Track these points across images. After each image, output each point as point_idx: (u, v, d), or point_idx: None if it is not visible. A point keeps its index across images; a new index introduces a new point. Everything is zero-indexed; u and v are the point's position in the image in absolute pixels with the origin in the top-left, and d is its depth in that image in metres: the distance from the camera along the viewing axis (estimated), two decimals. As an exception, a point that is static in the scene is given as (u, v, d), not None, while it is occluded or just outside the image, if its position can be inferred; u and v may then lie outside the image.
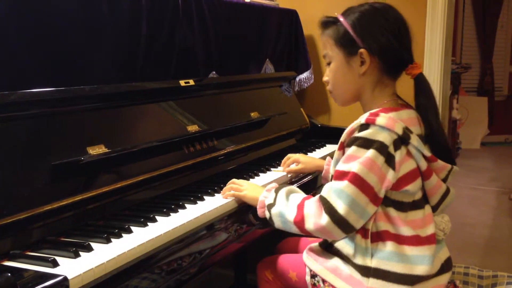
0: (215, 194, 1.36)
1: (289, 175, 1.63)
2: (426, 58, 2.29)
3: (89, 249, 0.98)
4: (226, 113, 1.78)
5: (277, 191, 1.24)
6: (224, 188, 1.37)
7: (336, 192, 1.10)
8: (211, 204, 1.28)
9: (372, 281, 1.10)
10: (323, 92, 2.58)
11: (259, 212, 1.27)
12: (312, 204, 1.14)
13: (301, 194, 1.22)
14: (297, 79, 2.43)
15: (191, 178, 1.48)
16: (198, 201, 1.30)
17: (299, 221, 1.15)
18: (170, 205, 1.23)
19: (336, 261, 1.19)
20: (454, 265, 1.35)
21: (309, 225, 1.13)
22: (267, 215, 1.23)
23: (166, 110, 1.52)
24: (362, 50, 1.18)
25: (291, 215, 1.17)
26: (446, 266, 1.18)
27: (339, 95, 1.28)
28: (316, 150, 2.01)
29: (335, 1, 2.46)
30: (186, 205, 1.26)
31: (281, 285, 1.37)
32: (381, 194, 1.10)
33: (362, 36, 1.18)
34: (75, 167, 1.14)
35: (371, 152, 1.08)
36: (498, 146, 6.35)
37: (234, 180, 1.39)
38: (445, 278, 1.17)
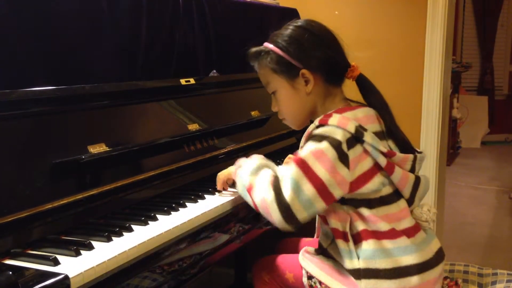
0: (216, 192, 1.37)
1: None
2: (426, 57, 2.29)
3: (90, 247, 0.98)
4: (226, 111, 1.78)
5: (254, 157, 1.25)
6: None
7: (286, 176, 1.09)
8: (212, 203, 1.28)
9: (364, 282, 1.11)
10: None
11: (233, 172, 1.28)
12: (265, 176, 1.13)
13: (270, 170, 1.19)
14: (298, 78, 2.42)
15: (192, 177, 1.48)
16: (199, 200, 1.30)
17: (249, 189, 1.15)
18: (171, 204, 1.23)
19: (331, 262, 1.20)
20: (454, 263, 1.35)
21: (256, 196, 1.13)
22: (233, 177, 1.25)
23: (166, 108, 1.52)
24: (303, 70, 1.19)
25: (246, 180, 1.17)
26: (438, 257, 1.18)
27: (293, 119, 1.29)
28: (317, 149, 2.01)
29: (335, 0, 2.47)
30: (187, 203, 1.26)
31: (277, 286, 1.36)
32: (337, 194, 1.08)
33: (298, 57, 1.20)
34: (75, 165, 1.15)
35: (323, 144, 1.08)
36: (498, 145, 6.35)
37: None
38: (439, 269, 1.17)
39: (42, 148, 1.12)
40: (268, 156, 1.83)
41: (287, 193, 1.07)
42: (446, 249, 1.27)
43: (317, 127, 1.13)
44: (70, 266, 0.90)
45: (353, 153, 1.10)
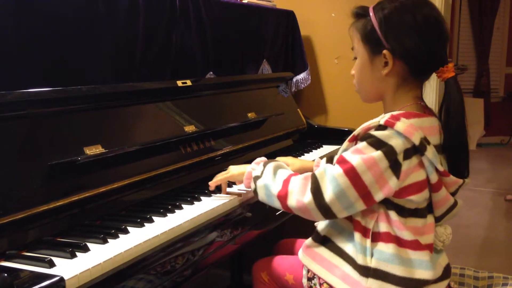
0: (212, 194, 1.37)
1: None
2: (422, 60, 2.30)
3: (85, 249, 0.98)
4: (223, 113, 1.78)
5: (265, 164, 1.23)
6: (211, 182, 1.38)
7: (330, 177, 1.07)
8: (208, 205, 1.28)
9: (371, 281, 1.10)
10: (320, 93, 2.59)
11: (245, 183, 1.27)
12: (298, 181, 1.12)
13: (289, 171, 1.20)
14: (294, 79, 2.43)
15: (188, 179, 1.48)
16: (195, 202, 1.30)
17: (283, 196, 1.13)
18: (166, 206, 1.23)
19: (334, 260, 1.17)
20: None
21: (292, 201, 1.12)
22: (253, 186, 1.22)
23: (163, 110, 1.52)
24: (385, 51, 1.13)
25: (275, 189, 1.15)
26: (446, 273, 1.17)
27: (362, 91, 1.24)
28: (313, 150, 2.02)
29: (332, 1, 2.47)
30: (183, 205, 1.26)
31: (277, 287, 1.36)
32: (378, 198, 1.07)
33: (387, 37, 1.13)
34: (71, 167, 1.14)
35: (377, 153, 1.05)
36: (494, 147, 6.37)
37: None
38: (444, 283, 1.16)
39: (38, 150, 1.11)
40: (266, 157, 1.84)
41: (328, 196, 1.06)
42: (442, 251, 1.27)
43: (380, 126, 1.08)
44: (65, 268, 0.90)
45: (408, 164, 1.06)
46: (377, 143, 1.06)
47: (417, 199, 1.10)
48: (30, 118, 1.13)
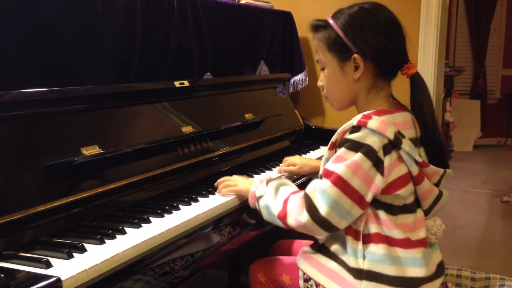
0: (209, 195, 1.36)
1: (283, 177, 1.63)
2: (420, 61, 2.30)
3: (82, 250, 0.98)
4: (220, 114, 1.78)
5: (268, 182, 1.24)
6: (219, 187, 1.38)
7: (320, 192, 1.09)
8: (205, 206, 1.27)
9: (365, 284, 1.10)
10: (317, 94, 2.59)
11: (250, 202, 1.28)
12: (295, 200, 1.14)
13: (291, 188, 1.21)
14: (292, 80, 2.43)
15: (185, 179, 1.48)
16: (192, 202, 1.29)
17: (282, 217, 1.15)
18: (164, 206, 1.23)
19: (330, 264, 1.18)
20: (446, 267, 1.36)
21: (291, 221, 1.13)
22: (257, 206, 1.24)
23: (160, 111, 1.52)
24: (355, 55, 1.16)
25: (276, 209, 1.17)
26: (440, 270, 1.18)
27: (334, 100, 1.27)
28: (310, 151, 2.02)
29: (330, 3, 2.47)
30: (180, 206, 1.26)
31: (273, 288, 1.37)
32: (368, 198, 1.09)
33: (354, 41, 1.16)
34: (68, 167, 1.14)
35: (358, 156, 1.07)
36: (491, 149, 6.39)
37: (225, 177, 1.40)
38: (438, 282, 1.17)
39: (35, 150, 1.11)
40: (262, 158, 1.85)
41: (323, 210, 1.08)
42: (439, 252, 1.27)
43: (353, 128, 1.11)
44: (62, 268, 0.90)
45: (389, 160, 1.08)
46: (355, 146, 1.08)
47: (403, 193, 1.12)
48: (27, 118, 1.13)
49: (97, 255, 0.96)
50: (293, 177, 1.65)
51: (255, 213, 1.26)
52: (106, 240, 1.03)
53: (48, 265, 0.91)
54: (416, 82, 1.18)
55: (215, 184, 1.41)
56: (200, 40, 1.83)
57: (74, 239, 1.04)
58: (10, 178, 1.04)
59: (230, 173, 1.54)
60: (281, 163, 1.71)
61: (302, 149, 2.02)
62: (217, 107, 1.79)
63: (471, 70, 6.49)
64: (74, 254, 0.96)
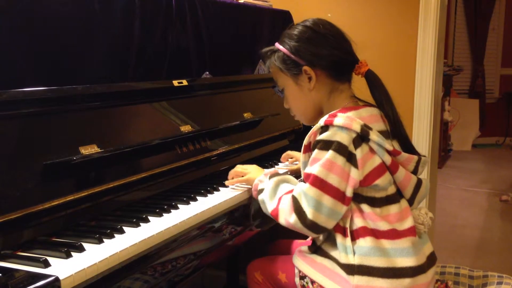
0: (208, 194, 1.36)
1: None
2: (418, 60, 2.30)
3: (81, 249, 0.98)
4: (219, 113, 1.78)
5: (271, 177, 1.27)
6: (230, 171, 1.43)
7: (303, 195, 1.13)
8: (204, 205, 1.27)
9: (357, 278, 1.11)
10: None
11: (253, 194, 1.32)
12: (286, 201, 1.18)
13: (288, 186, 1.24)
14: (290, 80, 2.42)
15: (184, 179, 1.48)
16: (191, 202, 1.29)
17: (274, 215, 1.20)
18: (162, 206, 1.23)
19: (324, 261, 1.20)
20: (445, 265, 1.36)
21: (281, 220, 1.18)
22: (258, 199, 1.28)
23: (159, 110, 1.52)
24: (305, 67, 1.22)
25: (270, 207, 1.21)
26: (431, 261, 1.19)
27: (301, 115, 1.33)
28: (309, 151, 2.02)
29: (327, 1, 2.47)
30: (178, 205, 1.25)
31: (270, 286, 1.37)
32: (349, 193, 1.12)
33: (300, 55, 1.23)
34: (67, 166, 1.14)
35: (330, 153, 1.11)
36: (489, 148, 6.40)
37: (239, 165, 1.44)
38: (431, 273, 1.18)
39: (33, 149, 1.11)
40: (262, 157, 1.85)
41: (308, 212, 1.11)
42: (437, 251, 1.27)
43: (322, 128, 1.15)
44: (60, 268, 0.90)
45: (361, 152, 1.12)
46: (326, 145, 1.13)
47: (381, 183, 1.15)
48: (25, 117, 1.13)
49: (95, 255, 0.96)
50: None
51: (255, 213, 1.26)
52: (104, 240, 1.03)
53: (46, 264, 0.90)
54: (371, 79, 1.24)
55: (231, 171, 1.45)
56: (199, 39, 1.83)
57: (73, 238, 1.04)
58: (8, 177, 1.03)
59: (228, 172, 1.54)
60: (280, 162, 1.72)
61: (300, 149, 2.01)
62: (216, 106, 1.79)
63: (469, 70, 6.49)
64: (72, 253, 0.96)
